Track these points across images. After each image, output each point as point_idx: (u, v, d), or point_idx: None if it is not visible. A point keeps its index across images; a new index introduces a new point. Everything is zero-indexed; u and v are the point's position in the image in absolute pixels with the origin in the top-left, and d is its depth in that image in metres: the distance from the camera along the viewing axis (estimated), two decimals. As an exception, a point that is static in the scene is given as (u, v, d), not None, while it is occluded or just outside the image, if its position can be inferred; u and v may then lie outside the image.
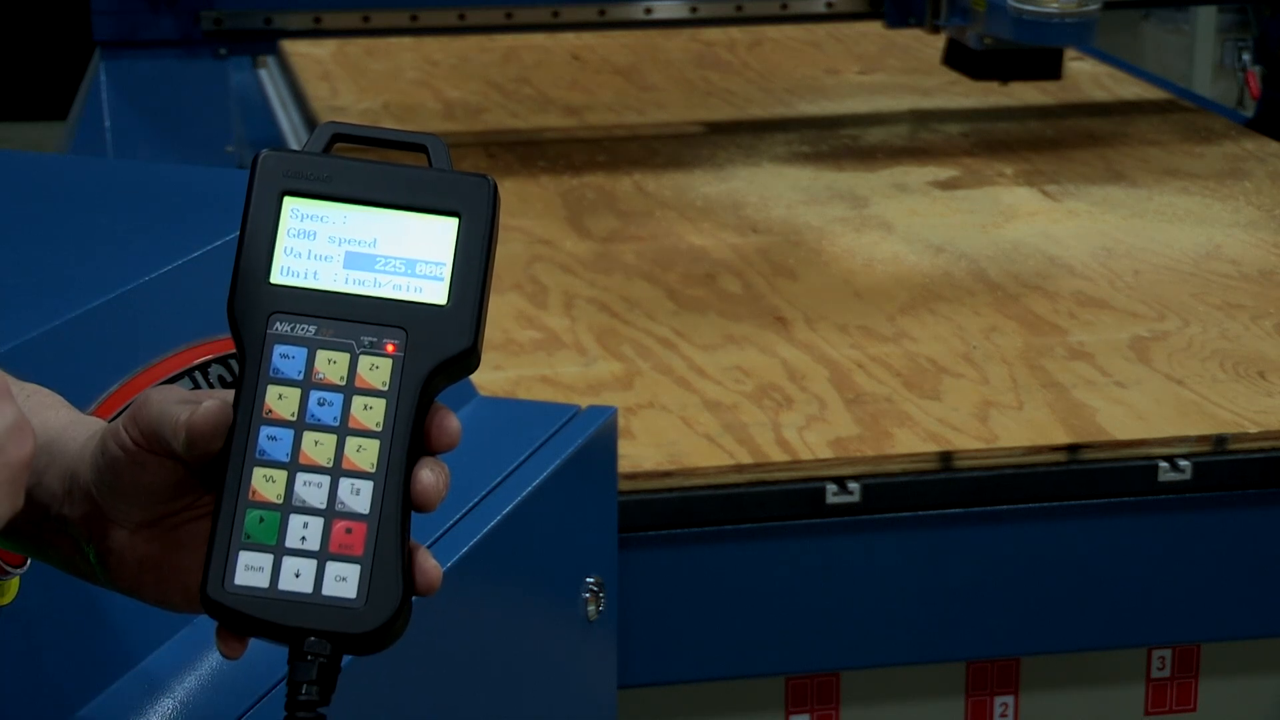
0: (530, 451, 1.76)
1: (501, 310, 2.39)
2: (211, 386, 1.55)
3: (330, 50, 3.64)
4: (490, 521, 1.62)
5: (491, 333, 2.29)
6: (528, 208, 2.82)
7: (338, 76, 3.51)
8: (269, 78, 3.49)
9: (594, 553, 1.84)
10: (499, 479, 1.70)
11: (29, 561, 1.33)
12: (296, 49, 3.51)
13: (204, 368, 1.56)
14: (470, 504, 1.65)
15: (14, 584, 1.32)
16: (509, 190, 2.87)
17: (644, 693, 2.02)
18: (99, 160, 3.06)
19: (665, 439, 2.04)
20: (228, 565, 0.98)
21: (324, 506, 0.97)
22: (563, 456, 1.75)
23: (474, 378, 1.96)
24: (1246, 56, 3.43)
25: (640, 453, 2.01)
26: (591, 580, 1.81)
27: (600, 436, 1.83)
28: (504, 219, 2.80)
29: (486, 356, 2.25)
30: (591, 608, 1.81)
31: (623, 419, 2.02)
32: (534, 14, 3.31)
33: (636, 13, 3.36)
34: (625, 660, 1.92)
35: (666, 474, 1.98)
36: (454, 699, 1.61)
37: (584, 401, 1.93)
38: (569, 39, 3.78)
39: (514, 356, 2.26)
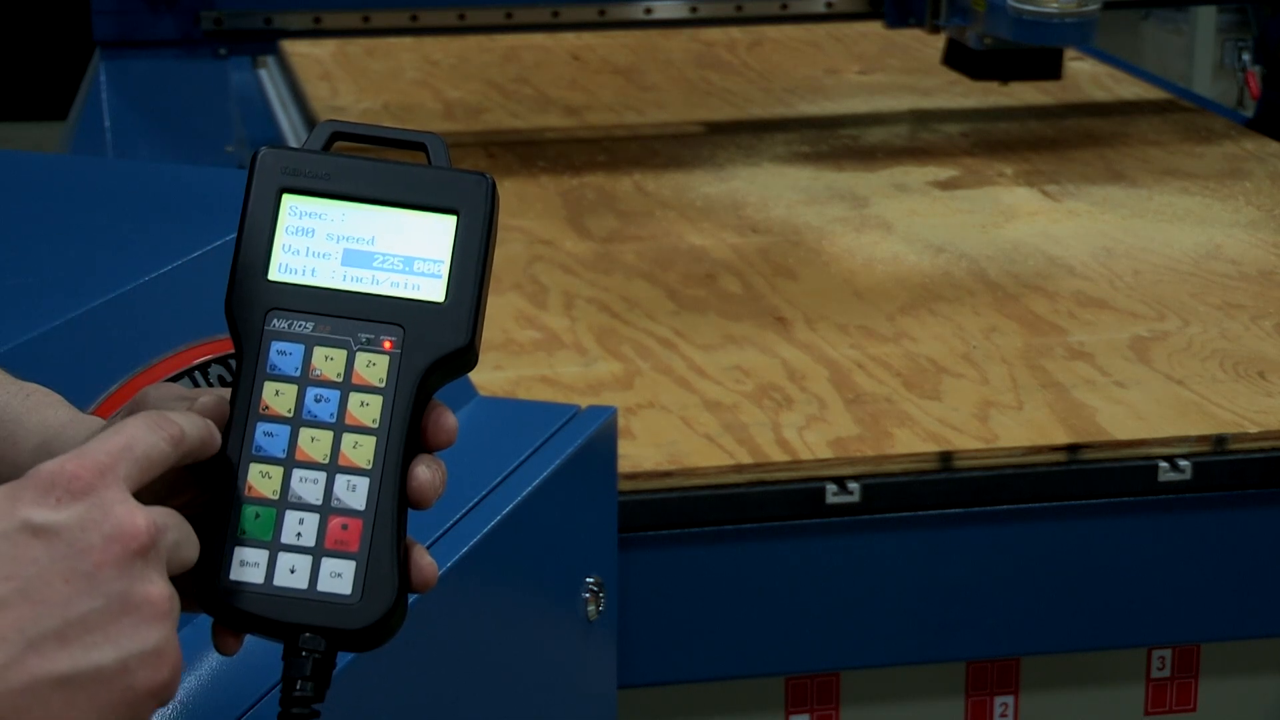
0: (530, 451, 1.76)
1: (501, 310, 2.39)
2: (211, 386, 1.55)
3: (330, 50, 3.64)
4: (490, 521, 1.62)
5: (491, 333, 2.29)
6: (528, 208, 2.82)
7: (338, 76, 3.52)
8: (269, 78, 3.49)
9: (594, 553, 1.84)
10: (499, 479, 1.70)
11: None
12: (296, 49, 3.51)
13: (204, 368, 1.56)
14: (470, 504, 1.65)
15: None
16: (509, 190, 2.87)
17: (644, 693, 2.02)
18: (99, 160, 3.06)
19: (665, 439, 2.04)
20: (223, 561, 0.98)
21: (320, 503, 0.97)
22: (563, 456, 1.75)
23: (474, 378, 1.96)
24: (1246, 56, 3.43)
25: (640, 453, 2.01)
26: (591, 580, 1.81)
27: (600, 436, 1.82)
28: (504, 219, 2.81)
29: (486, 356, 2.26)
30: (591, 608, 1.81)
31: (623, 419, 2.02)
32: (534, 14, 3.31)
33: (636, 13, 3.35)
34: (625, 660, 1.92)
35: (666, 474, 1.98)
36: (454, 699, 1.61)
37: (584, 401, 1.92)
38: (569, 39, 3.78)
39: (514, 356, 2.26)
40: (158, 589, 0.89)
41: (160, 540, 0.89)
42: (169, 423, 0.93)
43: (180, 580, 0.97)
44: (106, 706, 0.87)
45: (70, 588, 0.86)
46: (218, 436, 0.97)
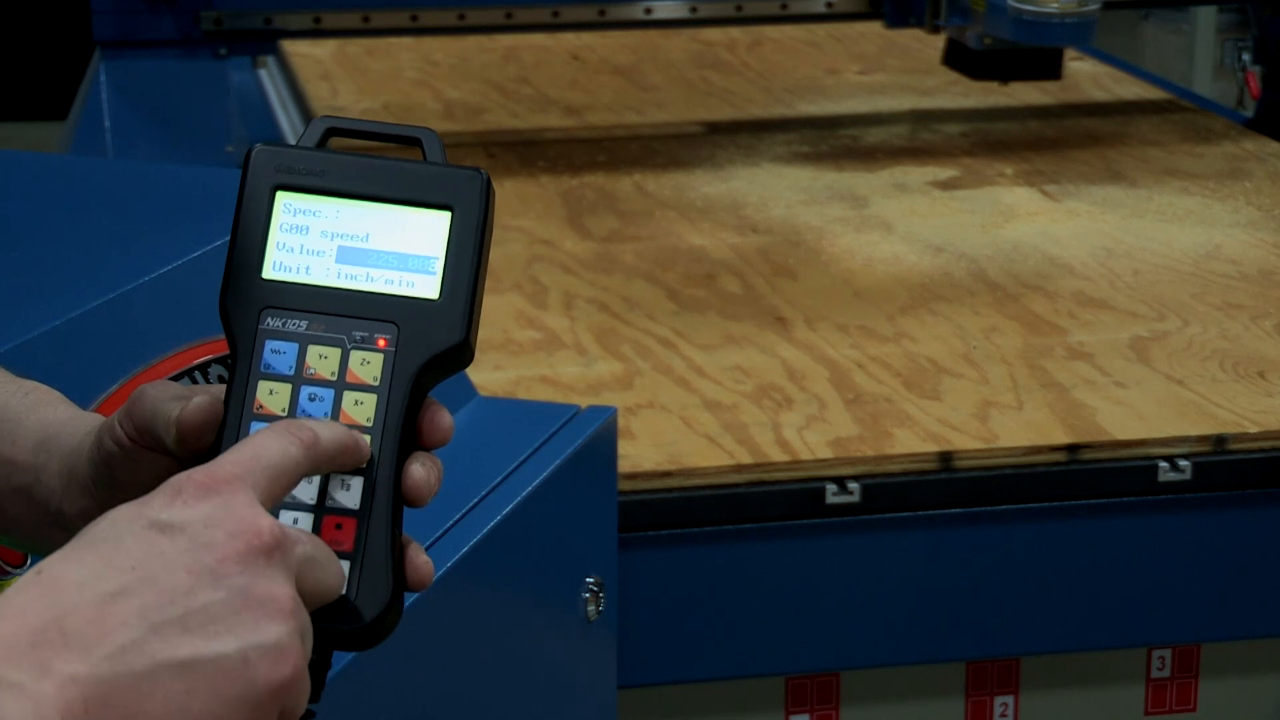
0: (530, 451, 1.76)
1: (501, 310, 2.39)
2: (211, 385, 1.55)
3: (330, 50, 3.64)
4: (490, 521, 1.62)
5: (492, 333, 2.29)
6: (528, 208, 2.82)
7: (338, 76, 3.52)
8: (269, 78, 3.49)
9: (594, 553, 1.84)
10: (499, 479, 1.70)
11: (30, 561, 1.33)
12: (296, 49, 3.51)
13: (204, 367, 1.56)
14: (470, 504, 1.65)
15: (13, 583, 1.32)
16: (509, 190, 2.87)
17: (644, 693, 2.02)
18: (99, 160, 3.06)
19: (665, 439, 2.04)
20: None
21: (314, 502, 0.97)
22: (563, 456, 1.75)
23: (474, 378, 1.96)
24: (1246, 56, 3.43)
25: (640, 453, 2.01)
26: (591, 580, 1.81)
27: (600, 436, 1.83)
28: (504, 219, 2.81)
29: (487, 356, 2.26)
30: (591, 608, 1.81)
31: (623, 419, 2.01)
32: (534, 14, 3.31)
33: (636, 13, 3.35)
34: (625, 660, 1.92)
35: (666, 474, 1.98)
36: (454, 699, 1.61)
37: (584, 401, 1.93)
38: (569, 39, 3.78)
39: (514, 356, 2.26)
40: (280, 588, 0.89)
41: (288, 548, 0.90)
42: (300, 427, 0.94)
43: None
44: (229, 698, 0.87)
45: (193, 578, 0.87)
46: (365, 448, 0.96)
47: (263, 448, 0.92)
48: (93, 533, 0.88)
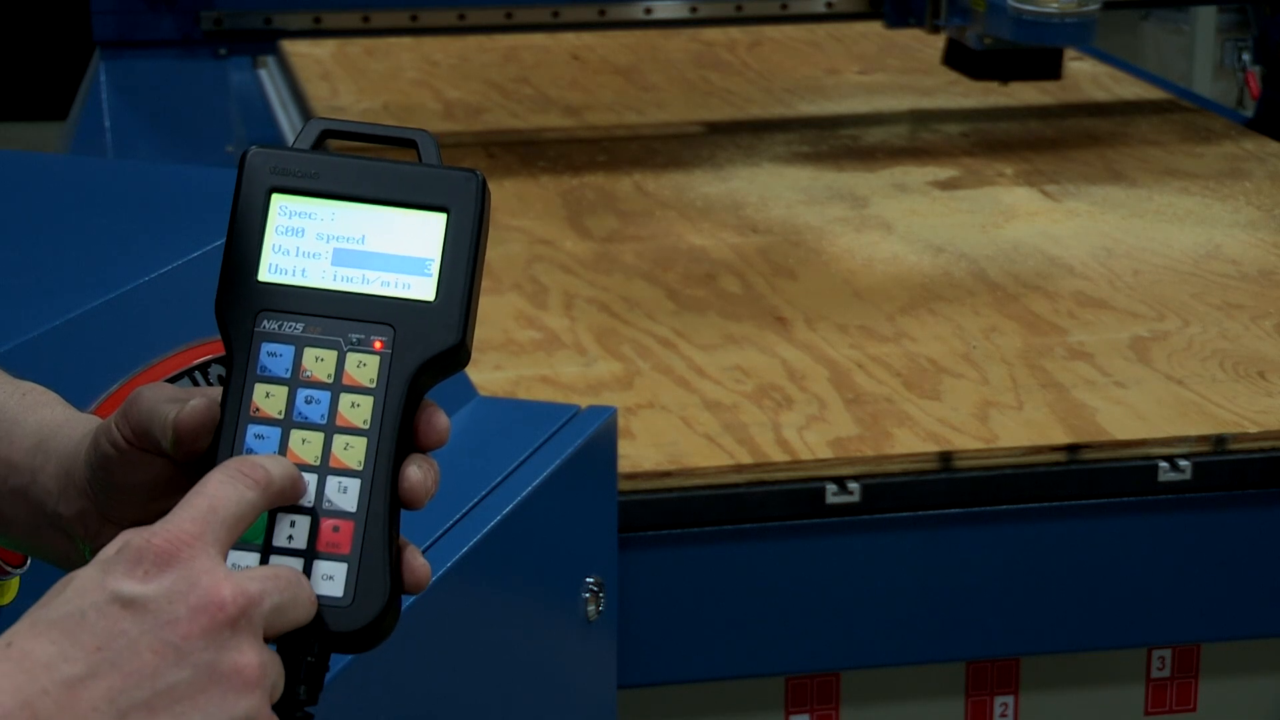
0: (530, 451, 1.76)
1: (501, 310, 2.39)
2: (210, 386, 1.55)
3: (330, 50, 3.64)
4: (490, 521, 1.62)
5: (492, 333, 2.29)
6: (528, 208, 2.82)
7: (338, 76, 3.52)
8: (269, 78, 3.49)
9: (594, 553, 1.84)
10: (499, 479, 1.70)
11: (29, 561, 1.33)
12: (296, 49, 3.51)
13: (204, 368, 1.56)
14: (470, 504, 1.65)
15: (14, 584, 1.32)
16: (509, 190, 2.87)
17: (644, 693, 2.02)
18: (99, 160, 3.06)
19: (665, 439, 2.04)
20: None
21: (311, 505, 0.97)
22: (563, 456, 1.75)
23: (474, 378, 1.96)
24: (1246, 56, 3.43)
25: (640, 453, 2.01)
26: (591, 580, 1.81)
27: (600, 436, 1.83)
28: (504, 219, 2.81)
29: (487, 356, 2.26)
30: (591, 608, 1.81)
31: (623, 419, 2.02)
32: (534, 14, 3.31)
33: (636, 13, 3.36)
34: (625, 660, 1.92)
35: (666, 474, 1.98)
36: (454, 699, 1.61)
37: (584, 401, 1.93)
38: (569, 39, 3.78)
39: (514, 356, 2.26)
40: (246, 658, 0.89)
41: (253, 609, 0.90)
42: (252, 467, 0.94)
43: None
44: None
45: (158, 659, 0.87)
46: (303, 482, 0.97)
47: (218, 498, 0.92)
48: (57, 603, 0.89)
